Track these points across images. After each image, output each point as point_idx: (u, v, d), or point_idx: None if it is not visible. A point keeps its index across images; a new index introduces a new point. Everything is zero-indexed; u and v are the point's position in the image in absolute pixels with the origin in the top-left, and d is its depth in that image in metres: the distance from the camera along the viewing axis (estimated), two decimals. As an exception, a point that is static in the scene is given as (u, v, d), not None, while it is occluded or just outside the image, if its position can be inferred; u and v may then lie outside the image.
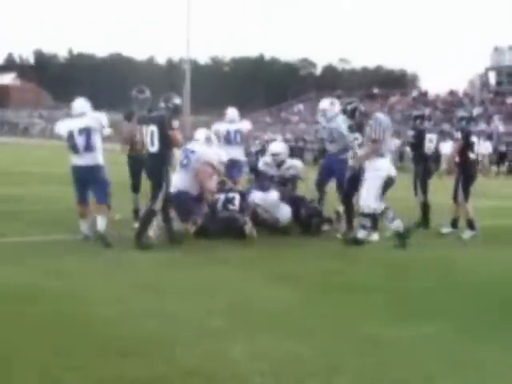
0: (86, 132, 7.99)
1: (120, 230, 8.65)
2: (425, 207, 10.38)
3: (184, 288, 6.01)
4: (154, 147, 8.08)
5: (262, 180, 9.43)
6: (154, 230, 8.37)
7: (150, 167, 8.21)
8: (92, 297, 5.52)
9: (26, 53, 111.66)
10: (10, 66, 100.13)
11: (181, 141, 8.55)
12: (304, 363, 4.13)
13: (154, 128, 8.08)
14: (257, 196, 9.10)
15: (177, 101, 8.56)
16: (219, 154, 9.26)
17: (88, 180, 8.09)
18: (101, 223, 7.97)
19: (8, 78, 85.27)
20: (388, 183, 9.23)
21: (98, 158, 8.11)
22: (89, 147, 8.00)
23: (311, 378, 3.94)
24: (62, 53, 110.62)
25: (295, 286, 6.17)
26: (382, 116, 8.80)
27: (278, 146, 10.01)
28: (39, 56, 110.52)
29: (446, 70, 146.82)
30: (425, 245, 8.90)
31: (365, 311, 5.38)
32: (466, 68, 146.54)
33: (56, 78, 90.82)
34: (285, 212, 9.14)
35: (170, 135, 8.12)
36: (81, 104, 8.20)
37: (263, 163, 9.79)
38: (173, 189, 8.35)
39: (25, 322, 4.77)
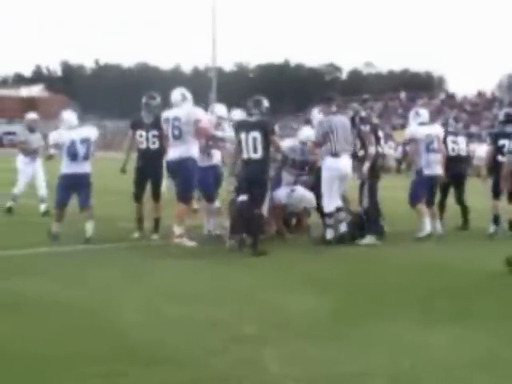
0: (87, 142, 8.64)
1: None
2: (442, 207, 10.24)
3: (213, 294, 5.99)
4: (257, 153, 8.03)
5: (290, 166, 9.25)
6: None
7: (253, 173, 8.08)
8: (120, 304, 5.53)
9: (53, 64, 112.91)
10: (37, 78, 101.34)
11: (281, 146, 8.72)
12: (336, 368, 4.09)
13: (256, 134, 8.03)
14: (282, 194, 9.05)
15: (266, 104, 8.46)
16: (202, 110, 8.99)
17: (81, 185, 8.61)
18: (90, 228, 8.47)
19: (36, 90, 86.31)
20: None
21: (90, 165, 8.72)
22: (87, 156, 8.65)
23: (343, 382, 3.90)
24: (89, 63, 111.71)
25: (324, 290, 6.12)
26: (330, 120, 8.69)
27: (309, 134, 9.32)
28: (66, 67, 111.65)
29: (473, 72, 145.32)
30: (454, 245, 8.91)
31: (394, 315, 5.32)
32: (494, 69, 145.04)
33: (83, 89, 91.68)
34: (310, 199, 9.16)
35: (272, 140, 8.20)
36: (73, 116, 8.76)
37: (289, 148, 9.33)
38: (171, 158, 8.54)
39: (56, 331, 4.80)
